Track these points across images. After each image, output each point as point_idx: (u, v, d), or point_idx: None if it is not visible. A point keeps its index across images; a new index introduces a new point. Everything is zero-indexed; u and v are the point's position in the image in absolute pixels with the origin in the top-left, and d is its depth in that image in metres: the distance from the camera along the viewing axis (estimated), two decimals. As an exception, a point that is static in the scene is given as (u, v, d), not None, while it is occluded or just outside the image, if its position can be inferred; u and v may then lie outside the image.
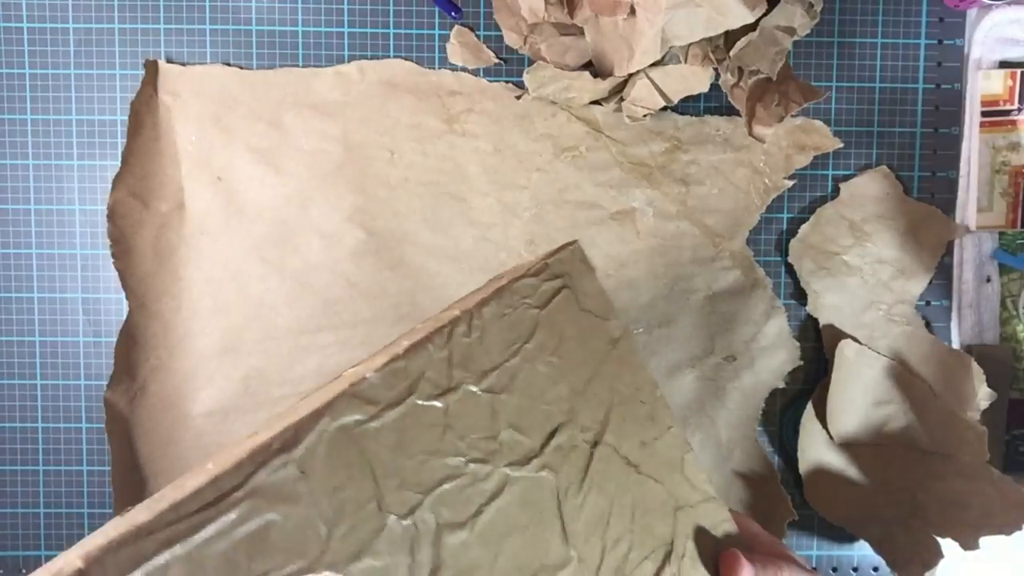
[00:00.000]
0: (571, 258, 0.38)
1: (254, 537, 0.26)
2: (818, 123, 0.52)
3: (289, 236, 0.51)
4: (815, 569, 0.54)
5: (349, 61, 0.51)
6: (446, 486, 0.31)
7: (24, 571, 0.52)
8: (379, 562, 0.28)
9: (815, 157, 0.52)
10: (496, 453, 0.32)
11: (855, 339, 0.52)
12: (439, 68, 0.51)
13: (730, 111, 0.52)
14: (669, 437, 0.38)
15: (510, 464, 0.33)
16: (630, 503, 0.36)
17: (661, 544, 0.36)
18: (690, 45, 0.46)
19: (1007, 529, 0.47)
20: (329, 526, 0.28)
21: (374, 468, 0.29)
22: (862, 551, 0.54)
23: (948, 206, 0.53)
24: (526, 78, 0.49)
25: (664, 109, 0.51)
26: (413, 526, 0.30)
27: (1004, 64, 0.52)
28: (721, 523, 0.38)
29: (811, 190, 0.53)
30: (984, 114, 0.52)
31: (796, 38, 0.47)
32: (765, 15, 0.44)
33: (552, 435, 0.34)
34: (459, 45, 0.51)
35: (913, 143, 0.53)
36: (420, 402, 0.30)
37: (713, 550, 0.37)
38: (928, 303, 0.53)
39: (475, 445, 0.32)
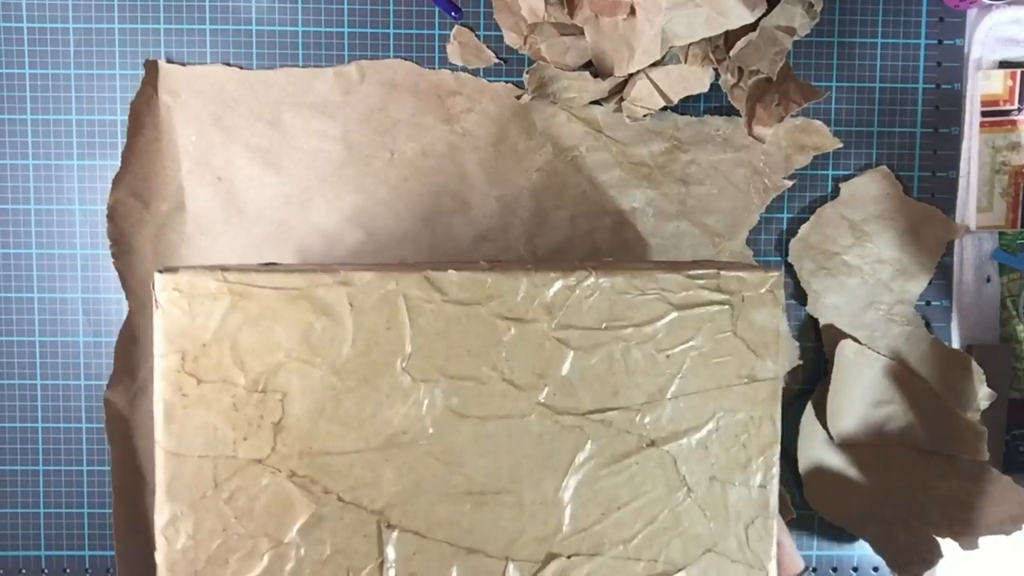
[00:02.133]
0: (756, 284, 0.37)
1: (299, 325, 0.34)
2: (818, 123, 0.52)
3: (289, 236, 0.51)
4: (815, 570, 0.54)
5: (349, 61, 0.51)
6: (468, 383, 0.35)
7: (24, 571, 0.52)
8: (379, 396, 0.34)
9: (815, 157, 0.52)
10: (535, 390, 0.36)
11: (855, 339, 0.52)
12: (439, 68, 0.51)
13: (730, 111, 0.52)
14: (752, 495, 0.37)
15: (544, 404, 0.36)
16: (661, 515, 0.36)
17: (668, 565, 0.36)
18: (690, 45, 0.46)
19: (1007, 529, 0.47)
20: (355, 351, 0.34)
21: (413, 335, 0.35)
22: (862, 551, 0.54)
23: (948, 206, 0.53)
24: (526, 78, 0.49)
25: (664, 109, 0.51)
26: (420, 390, 0.35)
27: (1004, 64, 0.52)
28: None
29: (811, 190, 0.53)
30: (984, 114, 0.52)
31: (796, 38, 0.47)
32: (765, 15, 0.44)
33: (606, 410, 0.36)
34: (459, 45, 0.51)
35: (913, 143, 0.53)
36: (485, 313, 0.35)
37: None
38: (928, 303, 0.53)
39: (518, 371, 0.35)
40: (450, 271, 0.35)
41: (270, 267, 0.36)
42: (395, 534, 0.35)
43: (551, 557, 0.35)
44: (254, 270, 0.35)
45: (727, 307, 0.37)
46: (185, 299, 0.34)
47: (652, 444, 0.36)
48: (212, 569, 0.34)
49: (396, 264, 0.38)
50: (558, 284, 0.35)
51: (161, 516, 0.34)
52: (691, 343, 0.36)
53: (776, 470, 0.37)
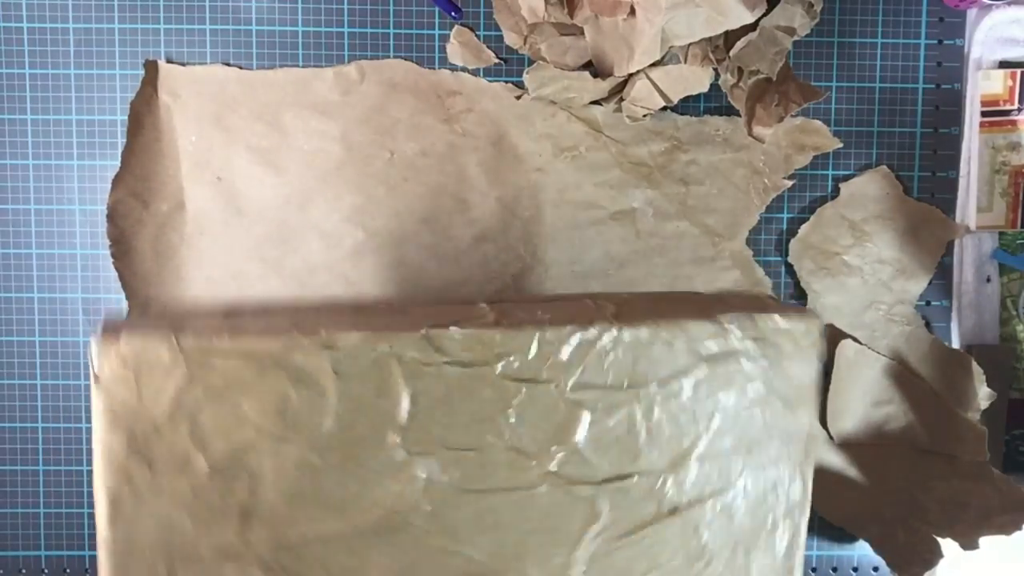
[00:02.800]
0: (795, 336, 0.33)
1: (272, 398, 0.29)
2: (818, 123, 0.52)
3: (289, 236, 0.51)
4: (814, 569, 0.54)
5: (349, 61, 0.51)
6: (471, 454, 0.31)
7: (24, 571, 0.52)
8: (367, 474, 0.29)
9: (815, 157, 0.52)
10: (546, 458, 0.31)
11: (855, 339, 0.52)
12: (439, 68, 0.51)
13: (730, 111, 0.52)
14: (776, 562, 0.34)
15: (555, 474, 0.31)
16: None
17: None
18: (690, 45, 0.46)
19: (1007, 529, 0.47)
20: (339, 424, 0.29)
21: (409, 404, 0.30)
22: (862, 551, 0.54)
23: (948, 206, 0.53)
24: (526, 78, 0.49)
25: (664, 109, 0.51)
26: (415, 464, 0.30)
27: (1004, 64, 0.52)
28: None
29: (811, 190, 0.53)
30: (984, 114, 0.52)
31: (796, 38, 0.47)
32: (765, 15, 0.44)
33: (624, 477, 0.32)
34: (459, 45, 0.51)
35: (913, 143, 0.53)
36: (492, 375, 0.30)
37: None
38: (928, 303, 0.53)
39: (527, 438, 0.31)
40: (452, 328, 0.30)
41: (233, 316, 0.31)
42: None
43: None
44: (215, 329, 0.30)
45: (764, 363, 0.33)
46: (131, 373, 0.29)
47: (673, 511, 0.32)
48: None
49: (386, 311, 0.33)
50: (576, 339, 0.31)
51: None
52: (720, 399, 0.32)
53: (803, 535, 0.34)
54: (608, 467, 0.32)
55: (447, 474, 0.31)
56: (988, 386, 0.51)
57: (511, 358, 0.30)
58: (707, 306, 0.33)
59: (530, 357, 0.31)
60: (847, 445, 0.52)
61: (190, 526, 0.29)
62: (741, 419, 0.33)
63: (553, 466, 0.31)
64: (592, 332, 0.31)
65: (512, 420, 0.31)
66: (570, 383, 0.31)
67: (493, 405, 0.31)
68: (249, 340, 0.29)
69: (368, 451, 0.30)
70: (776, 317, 0.33)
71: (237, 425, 0.29)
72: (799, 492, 0.34)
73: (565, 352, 0.31)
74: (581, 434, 0.31)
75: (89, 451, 0.52)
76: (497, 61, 0.51)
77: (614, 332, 0.31)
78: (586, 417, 0.31)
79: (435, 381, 0.30)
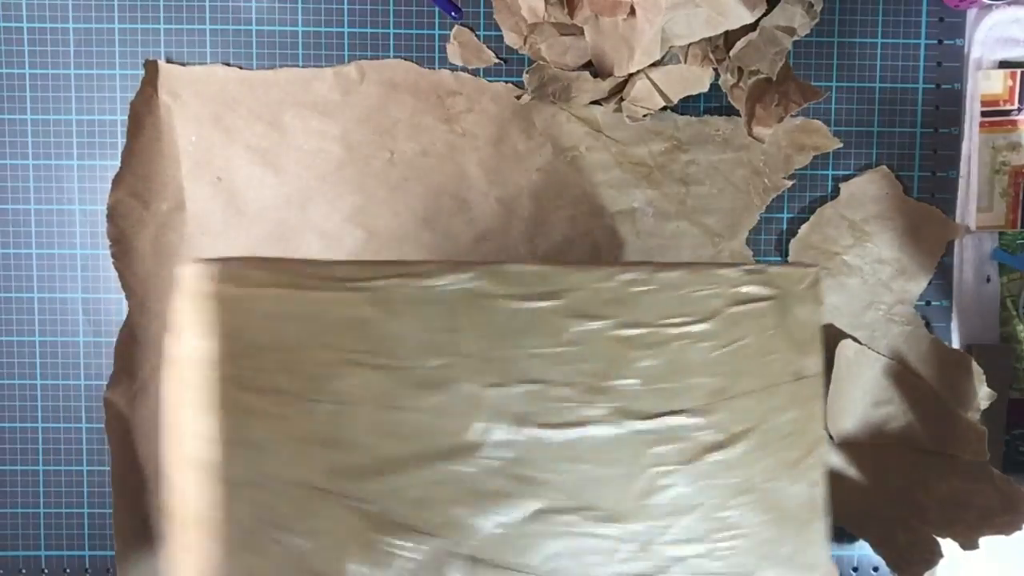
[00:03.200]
0: (799, 280, 0.37)
1: (351, 323, 0.31)
2: (818, 123, 0.52)
3: (289, 236, 0.51)
4: None
5: (349, 61, 0.51)
6: (534, 387, 0.33)
7: (24, 571, 0.52)
8: (439, 401, 0.31)
9: (815, 157, 0.52)
10: (602, 393, 0.33)
11: (855, 339, 0.52)
12: (439, 68, 0.51)
13: (730, 111, 0.52)
14: (804, 495, 0.36)
15: (612, 409, 0.34)
16: (726, 519, 0.35)
17: (739, 570, 0.35)
18: (690, 45, 0.46)
19: (1007, 529, 0.47)
20: (416, 354, 0.31)
21: (479, 332, 0.32)
22: (862, 551, 0.54)
23: (948, 206, 0.53)
24: (526, 78, 0.49)
25: (664, 109, 0.51)
26: (483, 395, 0.32)
27: (1004, 64, 0.52)
28: None
29: (811, 190, 0.53)
30: (984, 114, 0.52)
31: (796, 38, 0.47)
32: (765, 15, 0.44)
33: (669, 414, 0.34)
34: (459, 45, 0.51)
35: (913, 143, 0.53)
36: (555, 312, 0.33)
37: None
38: (928, 303, 0.53)
39: (586, 374, 0.33)
40: (518, 264, 0.33)
41: (309, 261, 0.33)
42: (459, 563, 0.31)
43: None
44: (302, 261, 0.31)
45: (774, 302, 0.36)
46: (233, 289, 0.30)
47: (714, 447, 0.35)
48: None
49: (449, 261, 0.36)
50: (622, 278, 0.34)
51: (206, 559, 0.29)
52: (745, 340, 0.36)
53: (824, 469, 0.37)
54: (654, 404, 0.34)
55: (513, 406, 0.32)
56: (988, 386, 0.51)
57: (570, 295, 0.33)
58: (726, 265, 0.37)
59: (584, 295, 0.33)
60: (847, 445, 0.52)
61: (284, 454, 0.30)
62: (760, 360, 0.36)
63: (608, 401, 0.33)
64: (631, 275, 0.34)
65: (571, 353, 0.33)
66: (616, 320, 0.34)
67: (553, 339, 0.33)
68: (337, 267, 0.31)
69: (441, 380, 0.32)
70: (782, 268, 0.37)
71: (324, 349, 0.31)
72: (816, 429, 0.37)
73: (611, 291, 0.34)
74: (631, 371, 0.34)
75: (89, 451, 0.52)
76: (497, 61, 0.51)
77: (649, 273, 0.34)
78: (633, 355, 0.34)
79: (499, 314, 0.32)
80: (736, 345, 0.35)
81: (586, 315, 0.33)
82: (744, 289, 0.35)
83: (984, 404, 0.51)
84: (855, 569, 0.54)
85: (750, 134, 0.48)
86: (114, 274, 0.50)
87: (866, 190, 0.52)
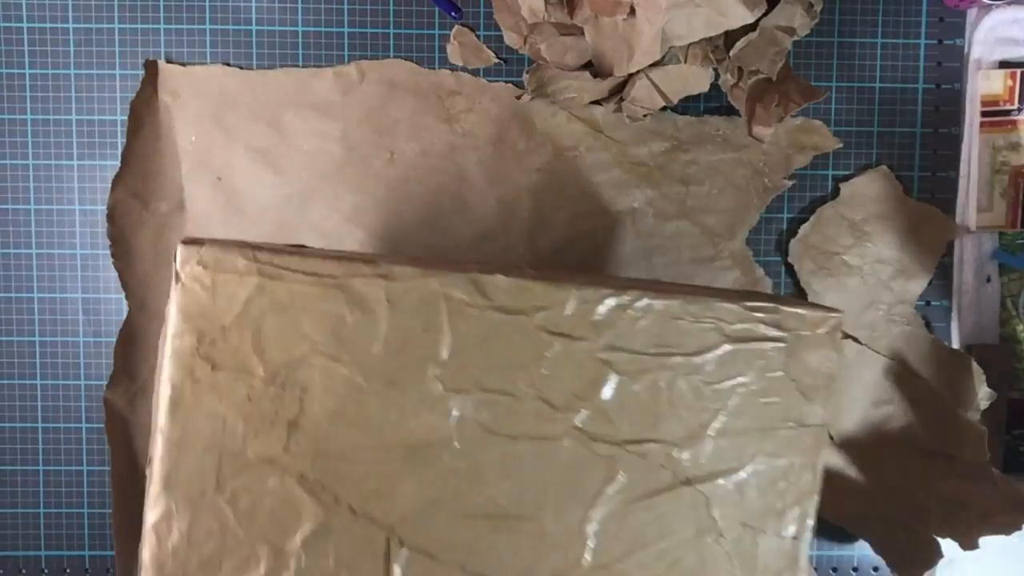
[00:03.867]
0: (816, 324, 0.34)
1: (325, 318, 0.32)
2: (818, 123, 0.52)
3: (289, 236, 0.51)
4: (815, 570, 0.54)
5: (349, 61, 0.51)
6: (503, 398, 0.33)
7: (24, 571, 0.52)
8: (405, 403, 0.32)
9: (815, 157, 0.52)
10: (572, 412, 0.33)
11: (855, 339, 0.52)
12: (439, 68, 0.51)
13: (730, 111, 0.52)
14: (783, 546, 0.35)
15: (579, 429, 0.33)
16: (687, 558, 0.34)
17: None
18: (690, 45, 0.46)
19: (1007, 529, 0.47)
20: (386, 351, 0.32)
21: (452, 341, 0.32)
22: (862, 551, 0.54)
23: (948, 206, 0.53)
24: (526, 78, 0.49)
25: (664, 109, 0.51)
26: (450, 400, 0.33)
27: (1004, 64, 0.52)
28: None
29: (811, 190, 0.53)
30: (984, 114, 0.52)
31: (796, 38, 0.46)
32: (765, 15, 0.44)
33: (644, 442, 0.33)
34: (459, 45, 0.51)
35: (913, 143, 0.53)
36: (530, 325, 0.33)
37: None
38: (928, 303, 0.53)
39: (556, 391, 0.33)
40: (498, 276, 0.33)
41: (300, 249, 0.34)
42: (405, 553, 0.32)
43: None
44: (286, 251, 0.33)
45: (782, 344, 0.34)
46: (209, 275, 0.32)
47: (687, 482, 0.34)
48: (201, 574, 0.32)
49: (438, 260, 0.36)
50: (611, 302, 0.33)
51: (154, 511, 0.32)
52: (741, 379, 0.34)
53: (811, 522, 0.35)
54: (629, 430, 0.33)
55: (479, 414, 0.33)
56: (988, 386, 0.51)
57: (549, 311, 0.33)
58: (735, 296, 0.35)
59: (566, 313, 0.33)
60: (847, 445, 0.52)
61: (241, 429, 0.32)
62: (758, 402, 0.34)
63: (578, 421, 0.33)
64: (626, 297, 0.33)
65: (544, 371, 0.33)
66: (601, 343, 0.33)
67: (528, 354, 0.33)
68: (316, 262, 0.32)
69: (409, 381, 0.32)
70: (799, 309, 0.34)
71: (295, 339, 0.32)
72: (809, 481, 0.35)
73: (599, 312, 0.33)
74: (607, 394, 0.33)
75: (89, 451, 0.52)
76: (497, 61, 0.51)
77: (646, 300, 0.33)
78: (613, 378, 0.33)
79: (477, 324, 0.33)
80: (730, 383, 0.34)
81: (569, 335, 0.33)
82: (748, 326, 0.34)
83: (984, 404, 0.51)
84: (855, 569, 0.54)
85: (750, 134, 0.48)
86: (114, 274, 0.50)
87: (866, 190, 0.52)
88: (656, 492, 0.34)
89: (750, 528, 0.34)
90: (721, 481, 0.34)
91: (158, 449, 0.32)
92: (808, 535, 0.35)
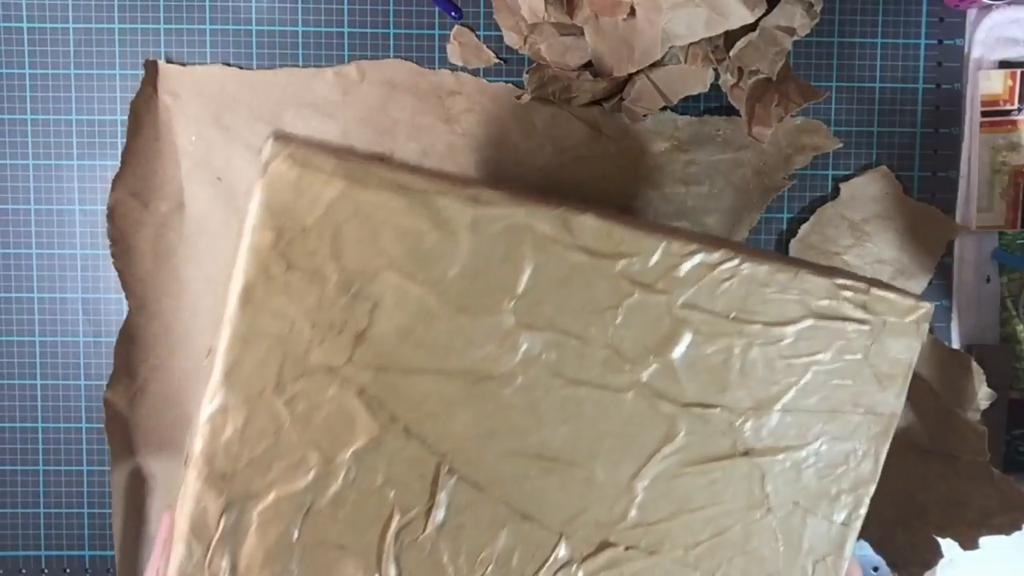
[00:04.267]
0: (904, 312, 0.34)
1: (406, 233, 0.31)
2: (818, 123, 0.52)
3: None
4: None
5: (349, 61, 0.51)
6: (573, 341, 0.32)
7: (24, 571, 0.52)
8: (475, 332, 0.31)
9: (815, 157, 0.52)
10: (640, 366, 0.32)
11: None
12: (439, 68, 0.51)
13: (730, 111, 0.52)
14: (831, 530, 0.34)
15: (645, 384, 0.32)
16: (733, 528, 0.34)
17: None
18: (690, 45, 0.46)
19: (1007, 529, 0.47)
20: (462, 275, 0.31)
21: (530, 275, 0.31)
22: (862, 551, 0.54)
23: (948, 206, 0.53)
24: (526, 78, 0.49)
25: (664, 109, 0.51)
26: (520, 335, 0.32)
27: (1004, 64, 0.52)
28: None
29: (811, 190, 0.53)
30: (984, 114, 0.52)
31: (796, 38, 0.46)
32: (765, 15, 0.44)
33: (708, 406, 0.33)
34: (459, 45, 0.51)
35: (913, 143, 0.53)
36: (613, 271, 0.32)
37: None
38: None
39: (628, 341, 0.32)
40: (588, 215, 0.31)
41: (390, 159, 0.33)
42: (453, 481, 0.32)
43: (607, 545, 0.33)
44: (377, 159, 0.31)
45: (867, 328, 0.34)
46: (296, 171, 0.30)
47: (746, 454, 0.33)
48: (251, 471, 0.31)
49: (530, 192, 0.34)
50: (698, 258, 0.32)
51: (212, 402, 0.31)
52: (818, 356, 0.33)
53: (864, 511, 0.35)
54: (695, 392, 0.33)
55: (547, 354, 0.32)
56: (988, 386, 0.51)
57: (634, 259, 0.32)
58: (826, 271, 0.34)
59: (651, 264, 0.32)
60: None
61: (308, 334, 0.31)
62: (831, 382, 0.34)
63: (645, 376, 0.32)
64: (715, 256, 0.32)
65: (619, 320, 0.32)
66: (680, 299, 0.32)
67: (606, 299, 0.32)
68: (405, 175, 0.31)
69: (482, 310, 0.31)
70: (890, 294, 0.34)
71: (373, 251, 0.31)
72: (869, 469, 0.34)
73: (684, 268, 0.32)
74: (678, 352, 0.32)
75: (89, 451, 0.52)
76: (497, 61, 0.51)
77: (736, 262, 0.32)
78: (687, 337, 0.32)
79: (558, 261, 0.32)
80: (806, 359, 0.33)
81: (651, 286, 0.32)
82: (834, 304, 0.33)
83: (984, 404, 0.51)
84: (855, 569, 0.54)
85: (750, 134, 0.48)
86: (114, 274, 0.50)
87: (866, 190, 0.52)
88: (713, 459, 0.33)
89: (801, 508, 0.34)
90: (780, 457, 0.33)
91: (224, 341, 0.31)
92: (858, 523, 0.35)
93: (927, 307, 0.34)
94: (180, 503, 0.31)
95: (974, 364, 0.51)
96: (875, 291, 0.34)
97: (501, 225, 0.31)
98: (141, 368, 0.51)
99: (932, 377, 0.52)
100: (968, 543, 0.48)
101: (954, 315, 0.53)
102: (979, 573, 0.54)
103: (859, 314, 0.33)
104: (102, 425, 0.51)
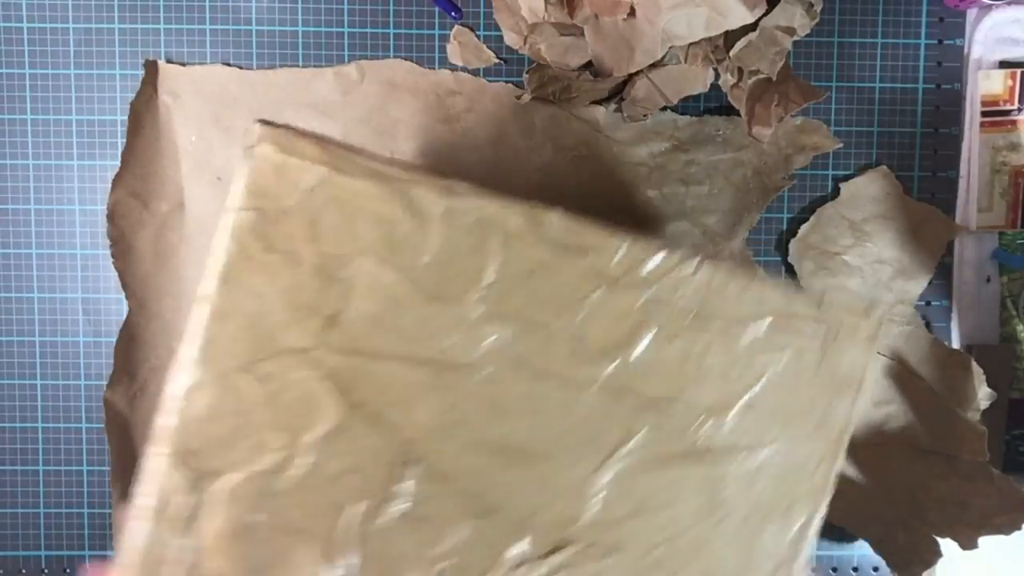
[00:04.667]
0: (858, 317, 0.34)
1: (380, 220, 0.31)
2: (818, 123, 0.52)
3: (289, 236, 0.51)
4: (814, 570, 0.54)
5: (349, 61, 0.51)
6: (539, 333, 0.32)
7: (24, 571, 0.52)
8: (444, 320, 0.32)
9: (815, 157, 0.52)
10: (604, 360, 0.33)
11: (855, 339, 0.52)
12: (439, 68, 0.51)
13: (730, 111, 0.52)
14: (786, 539, 0.34)
15: (608, 379, 0.33)
16: (690, 532, 0.34)
17: None
18: (690, 45, 0.46)
19: (1007, 529, 0.47)
20: (434, 263, 0.32)
21: (499, 266, 0.32)
22: (862, 551, 0.54)
23: (948, 206, 0.53)
24: (526, 78, 0.49)
25: (664, 109, 0.51)
26: (488, 325, 0.32)
27: (1004, 64, 0.52)
28: None
29: (811, 190, 0.53)
30: (984, 114, 0.52)
31: (796, 38, 0.47)
32: (765, 15, 0.44)
33: (668, 405, 0.33)
34: (459, 45, 0.51)
35: (913, 143, 0.53)
36: (580, 267, 0.32)
37: None
38: (928, 303, 0.53)
39: (591, 336, 0.33)
40: (555, 212, 0.32)
41: (371, 152, 0.34)
42: (417, 470, 0.32)
43: (568, 541, 0.33)
44: (356, 149, 0.32)
45: (823, 328, 0.34)
46: (280, 155, 0.31)
47: (703, 453, 0.33)
48: (214, 449, 0.31)
49: (500, 191, 0.35)
50: (660, 257, 0.33)
51: (182, 379, 0.31)
52: (775, 358, 0.34)
53: (820, 519, 0.35)
54: (655, 390, 0.33)
55: (513, 345, 0.32)
56: (988, 386, 0.51)
57: (599, 255, 0.32)
58: (779, 287, 0.35)
59: (615, 260, 0.32)
60: (847, 445, 0.52)
61: (281, 315, 0.31)
62: (789, 385, 0.34)
63: (607, 372, 0.33)
64: (675, 257, 0.33)
65: (583, 315, 0.32)
66: (643, 298, 0.33)
67: (570, 293, 0.32)
68: (383, 164, 0.32)
69: (451, 299, 0.32)
70: (844, 304, 0.34)
71: (349, 236, 0.31)
72: (823, 478, 0.35)
73: (647, 267, 0.33)
74: (639, 350, 0.33)
75: (89, 451, 0.52)
76: (497, 61, 0.51)
77: (695, 262, 0.33)
78: (648, 335, 0.33)
79: (526, 255, 0.32)
80: (763, 360, 0.34)
81: (614, 284, 0.33)
82: (792, 307, 0.34)
83: (984, 404, 0.51)
84: (855, 569, 0.54)
85: (750, 134, 0.48)
86: (114, 274, 0.50)
87: (866, 190, 0.52)
88: (671, 458, 0.33)
89: (758, 514, 0.34)
90: (738, 459, 0.34)
91: (201, 318, 0.31)
92: (814, 531, 0.35)
93: (881, 311, 0.35)
94: (143, 480, 0.31)
95: (974, 364, 0.51)
96: (829, 299, 0.34)
97: (472, 217, 0.32)
98: (141, 368, 0.51)
99: (932, 377, 0.52)
100: (968, 543, 0.48)
101: (954, 315, 0.53)
102: (979, 573, 0.54)
103: (815, 322, 0.34)
104: (102, 425, 0.51)
